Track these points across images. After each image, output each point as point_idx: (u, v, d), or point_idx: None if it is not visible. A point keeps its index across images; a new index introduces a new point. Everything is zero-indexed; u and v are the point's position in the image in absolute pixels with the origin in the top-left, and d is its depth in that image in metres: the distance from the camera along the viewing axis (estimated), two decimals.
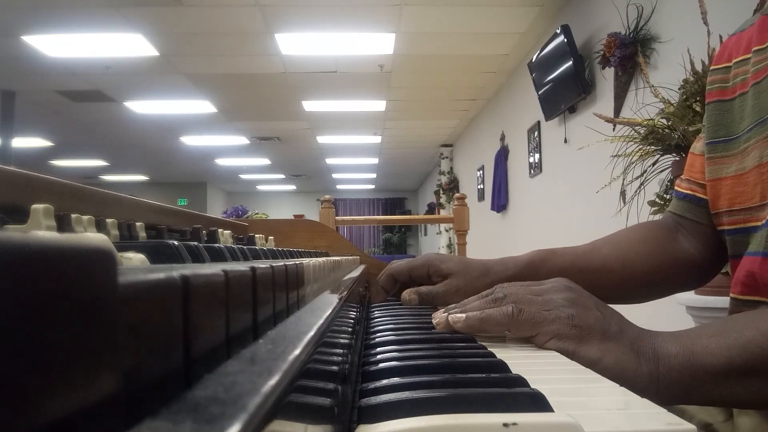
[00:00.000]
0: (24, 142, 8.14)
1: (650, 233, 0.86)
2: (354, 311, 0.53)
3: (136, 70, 5.65)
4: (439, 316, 0.60)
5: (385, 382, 0.37)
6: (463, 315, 0.58)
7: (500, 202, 6.15)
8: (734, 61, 0.77)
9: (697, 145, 0.85)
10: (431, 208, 11.25)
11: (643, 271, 0.83)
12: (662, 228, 0.87)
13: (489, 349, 0.50)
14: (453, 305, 0.63)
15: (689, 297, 1.80)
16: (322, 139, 9.01)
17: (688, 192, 0.85)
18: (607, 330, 0.53)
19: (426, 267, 0.85)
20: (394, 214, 14.34)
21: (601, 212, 3.36)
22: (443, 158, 9.53)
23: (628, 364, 0.51)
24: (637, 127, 2.08)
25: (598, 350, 0.52)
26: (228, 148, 9.60)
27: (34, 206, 0.38)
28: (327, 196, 2.50)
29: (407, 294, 0.82)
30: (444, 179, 9.33)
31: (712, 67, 0.82)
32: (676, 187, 0.89)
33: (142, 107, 6.99)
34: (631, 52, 3.20)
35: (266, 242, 1.00)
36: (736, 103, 0.75)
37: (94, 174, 11.49)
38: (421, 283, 0.86)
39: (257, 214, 6.88)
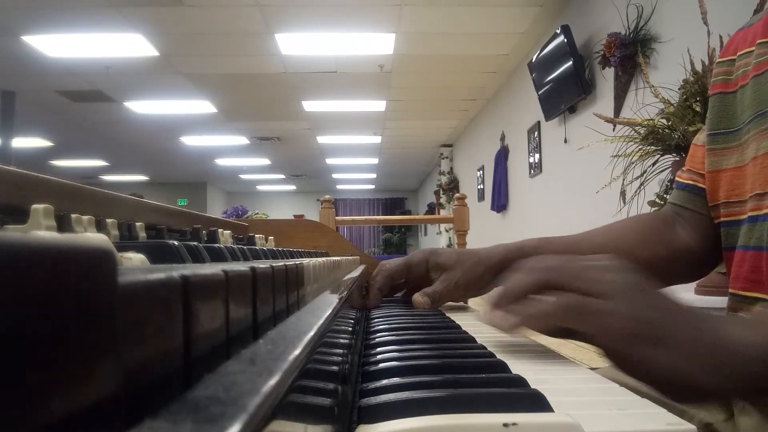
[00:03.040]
0: (24, 142, 8.14)
1: (646, 224, 0.86)
2: (354, 311, 0.53)
3: (136, 70, 5.65)
4: (491, 313, 0.51)
5: (385, 382, 0.37)
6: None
7: (500, 202, 6.15)
8: (739, 53, 0.77)
9: (700, 137, 0.84)
10: (431, 208, 11.25)
11: (636, 261, 0.82)
12: (658, 219, 0.86)
13: (489, 349, 0.50)
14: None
15: (690, 297, 1.80)
16: (322, 139, 9.01)
17: (689, 182, 0.84)
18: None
19: (425, 262, 0.84)
20: (394, 214, 14.34)
21: (601, 212, 3.36)
22: (443, 158, 9.53)
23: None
24: (637, 127, 2.08)
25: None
26: (228, 148, 9.60)
27: (34, 206, 0.38)
28: (327, 196, 2.49)
29: (420, 297, 0.80)
30: (444, 179, 9.33)
31: (718, 60, 0.82)
32: (677, 178, 0.88)
33: (142, 107, 6.99)
34: (631, 52, 3.20)
35: (266, 242, 1.00)
36: (738, 95, 0.75)
37: (94, 174, 11.48)
38: (418, 279, 0.85)
39: (257, 214, 6.88)
